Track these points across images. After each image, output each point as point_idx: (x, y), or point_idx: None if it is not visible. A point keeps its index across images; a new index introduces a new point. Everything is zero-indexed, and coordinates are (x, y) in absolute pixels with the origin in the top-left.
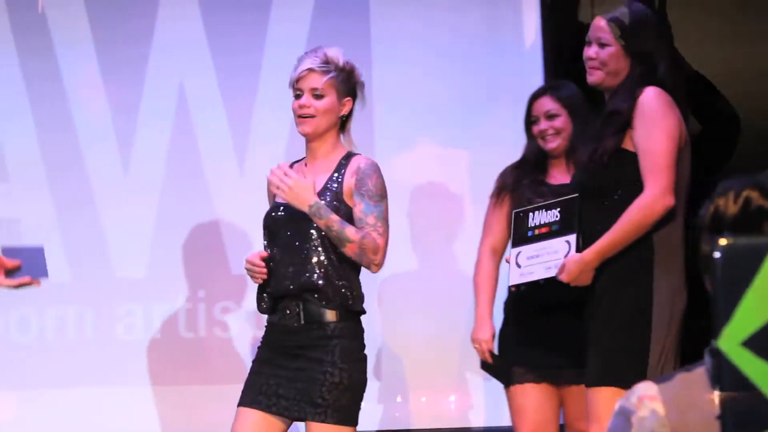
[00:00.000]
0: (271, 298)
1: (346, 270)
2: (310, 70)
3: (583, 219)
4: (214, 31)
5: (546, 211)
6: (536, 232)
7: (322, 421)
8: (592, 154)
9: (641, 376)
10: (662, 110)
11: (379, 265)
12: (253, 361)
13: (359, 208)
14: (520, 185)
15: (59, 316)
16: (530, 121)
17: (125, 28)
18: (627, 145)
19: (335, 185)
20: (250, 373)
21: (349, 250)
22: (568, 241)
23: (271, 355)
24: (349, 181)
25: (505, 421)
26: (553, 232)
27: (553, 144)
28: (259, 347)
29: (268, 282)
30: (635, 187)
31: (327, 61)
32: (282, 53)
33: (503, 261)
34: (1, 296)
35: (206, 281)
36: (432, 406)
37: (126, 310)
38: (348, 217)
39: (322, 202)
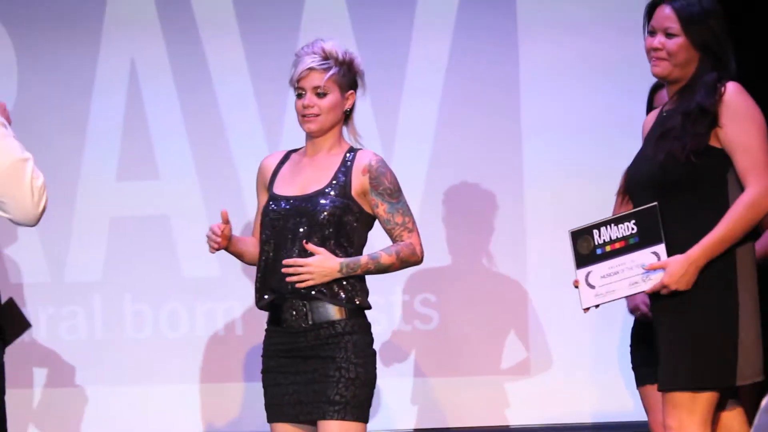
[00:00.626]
0: (273, 294)
1: None
2: (311, 69)
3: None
4: (360, 25)
5: (616, 225)
6: (607, 248)
7: (342, 419)
8: (680, 152)
9: (730, 376)
10: (750, 105)
11: (421, 260)
12: (264, 372)
13: (383, 209)
14: None
15: (209, 311)
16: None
17: (270, 16)
18: (713, 141)
19: (342, 180)
20: (266, 386)
21: (392, 270)
22: (656, 253)
23: (283, 362)
24: (360, 179)
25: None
26: (631, 245)
27: None
28: (263, 356)
29: (271, 278)
30: (719, 183)
31: (327, 57)
32: (427, 48)
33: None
34: (153, 292)
35: None
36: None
37: None
38: (359, 213)
39: (345, 260)
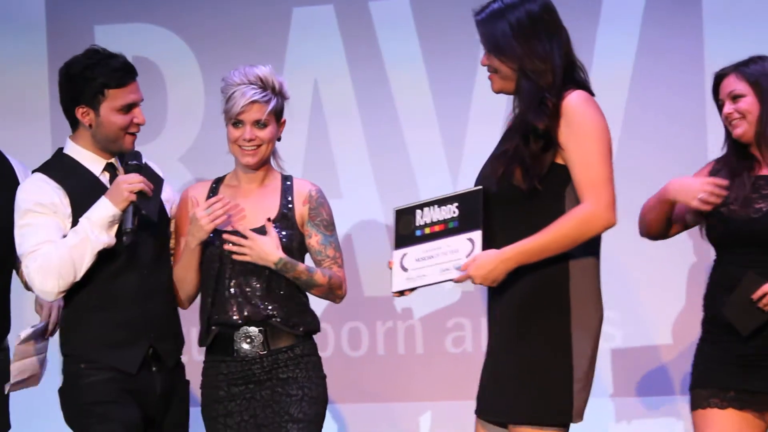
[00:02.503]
0: (219, 328)
1: (305, 293)
2: (254, 102)
3: (493, 223)
4: None
5: (439, 207)
6: (427, 231)
7: None
8: (523, 181)
9: (567, 414)
10: (590, 117)
11: (343, 297)
12: (215, 403)
13: (316, 239)
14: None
15: (388, 329)
16: (718, 105)
17: (452, 42)
18: (556, 158)
19: (287, 211)
20: (217, 416)
21: (316, 292)
22: (471, 239)
23: (235, 391)
24: (301, 209)
25: None
26: (450, 229)
27: (738, 130)
28: (206, 387)
29: (220, 312)
30: (557, 199)
31: (264, 87)
32: (609, 70)
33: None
34: (335, 311)
35: None
36: None
37: (455, 323)
38: (300, 242)
39: (286, 256)
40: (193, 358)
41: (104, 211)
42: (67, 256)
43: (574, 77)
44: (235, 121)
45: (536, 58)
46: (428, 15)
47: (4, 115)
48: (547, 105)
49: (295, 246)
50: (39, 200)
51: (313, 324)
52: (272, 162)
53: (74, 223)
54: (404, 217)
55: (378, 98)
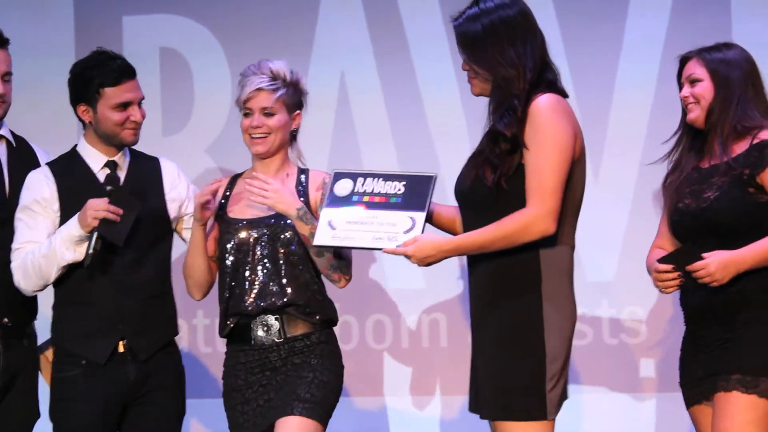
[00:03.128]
0: (237, 318)
1: (323, 282)
2: (259, 89)
3: (466, 222)
4: (570, 33)
5: (384, 181)
6: (365, 199)
7: (309, 416)
8: (490, 177)
9: (542, 409)
10: (551, 124)
11: (349, 280)
12: (233, 391)
13: None
14: (675, 170)
15: (413, 323)
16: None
17: None
18: (524, 160)
19: (302, 200)
20: (235, 405)
21: (325, 261)
22: (413, 218)
23: (252, 379)
24: (314, 195)
25: None
26: (391, 204)
27: (691, 114)
28: (226, 377)
29: (239, 302)
30: (524, 202)
31: (274, 78)
32: (638, 56)
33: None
34: (359, 303)
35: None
36: None
37: None
38: None
39: (305, 208)
40: (217, 349)
41: (72, 230)
42: (37, 264)
43: (546, 77)
44: (245, 111)
45: (508, 65)
46: (456, 6)
47: (33, 105)
48: (516, 112)
49: None
50: (35, 197)
51: (330, 312)
52: (290, 156)
53: (63, 219)
54: (343, 180)
55: (405, 90)
